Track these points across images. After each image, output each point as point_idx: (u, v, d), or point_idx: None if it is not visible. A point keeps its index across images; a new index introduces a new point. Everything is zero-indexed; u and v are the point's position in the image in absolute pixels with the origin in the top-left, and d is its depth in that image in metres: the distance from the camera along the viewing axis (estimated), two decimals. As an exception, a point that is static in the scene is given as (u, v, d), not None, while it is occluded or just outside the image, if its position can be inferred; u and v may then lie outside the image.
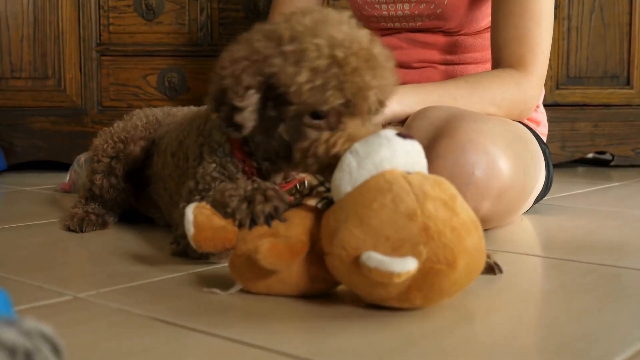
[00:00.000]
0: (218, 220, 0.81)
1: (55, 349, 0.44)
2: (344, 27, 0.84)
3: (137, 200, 1.25)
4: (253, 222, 0.80)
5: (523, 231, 1.24)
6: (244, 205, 0.82)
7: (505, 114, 1.25)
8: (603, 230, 1.25)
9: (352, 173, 0.75)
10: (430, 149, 1.10)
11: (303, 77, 0.81)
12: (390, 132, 0.76)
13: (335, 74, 0.81)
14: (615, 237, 1.19)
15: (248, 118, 0.87)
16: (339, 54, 0.81)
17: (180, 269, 0.93)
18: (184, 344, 0.67)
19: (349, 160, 0.76)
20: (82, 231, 1.18)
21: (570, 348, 0.65)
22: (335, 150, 0.82)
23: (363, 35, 0.85)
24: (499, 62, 1.30)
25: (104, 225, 1.21)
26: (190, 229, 0.80)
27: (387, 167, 0.74)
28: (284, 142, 0.89)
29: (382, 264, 0.68)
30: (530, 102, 1.29)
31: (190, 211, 0.81)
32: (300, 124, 0.85)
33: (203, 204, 0.83)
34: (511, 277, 0.93)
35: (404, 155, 0.75)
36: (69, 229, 1.19)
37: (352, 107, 0.84)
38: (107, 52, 2.07)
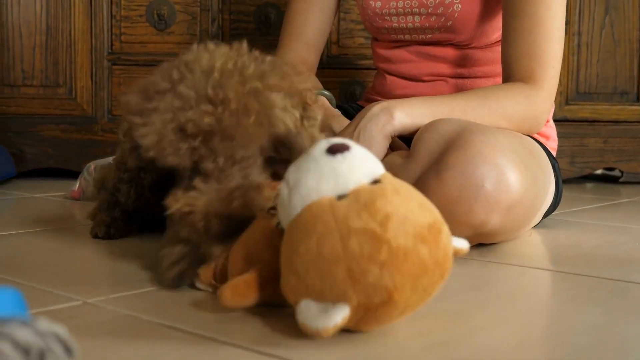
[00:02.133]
0: None
1: (68, 350, 0.45)
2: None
3: (161, 209, 1.25)
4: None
5: (531, 245, 1.24)
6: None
7: (515, 128, 1.25)
8: (612, 245, 1.25)
9: (285, 206, 0.71)
10: (440, 162, 1.10)
11: None
12: (320, 150, 0.70)
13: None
14: (624, 252, 1.18)
15: None
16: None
17: (188, 277, 0.93)
18: (193, 351, 0.67)
19: (282, 191, 0.71)
20: (109, 237, 1.19)
21: (579, 361, 0.65)
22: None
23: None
24: (509, 76, 1.30)
25: (129, 232, 1.22)
26: None
27: (314, 197, 0.68)
28: None
29: (308, 320, 0.65)
30: (541, 117, 1.29)
31: None
32: None
33: None
34: (519, 290, 0.93)
35: (333, 177, 0.68)
36: (96, 236, 1.20)
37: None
38: (118, 61, 2.09)
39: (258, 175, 0.87)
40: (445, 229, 0.69)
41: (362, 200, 0.67)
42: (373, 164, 0.71)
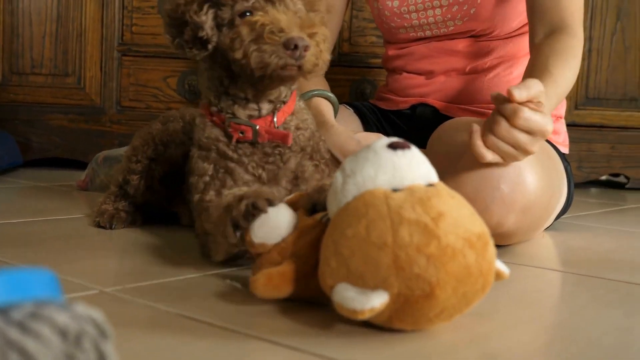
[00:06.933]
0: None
1: (103, 334, 0.44)
2: None
3: (169, 202, 1.25)
4: (236, 227, 0.80)
5: (545, 247, 1.24)
6: (228, 218, 0.82)
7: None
8: (625, 249, 1.24)
9: (337, 193, 0.71)
10: (457, 162, 1.10)
11: None
12: (381, 144, 0.71)
13: None
14: (638, 256, 1.18)
15: (210, 31, 0.96)
16: None
17: (202, 269, 0.93)
18: (216, 344, 0.66)
19: (337, 178, 0.71)
20: (111, 228, 1.18)
21: (606, 363, 0.65)
22: (262, 30, 0.90)
23: None
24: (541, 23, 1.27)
25: (133, 223, 1.22)
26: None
27: (369, 186, 0.69)
28: (225, 60, 0.96)
29: (344, 300, 0.65)
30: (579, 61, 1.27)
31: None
32: (234, 27, 0.94)
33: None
34: (538, 291, 0.93)
35: (391, 171, 0.69)
36: (98, 225, 1.20)
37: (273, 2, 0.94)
38: (128, 52, 2.08)
39: None
40: (492, 243, 0.69)
41: (417, 195, 0.67)
42: (430, 168, 0.72)
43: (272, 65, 0.90)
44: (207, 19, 0.95)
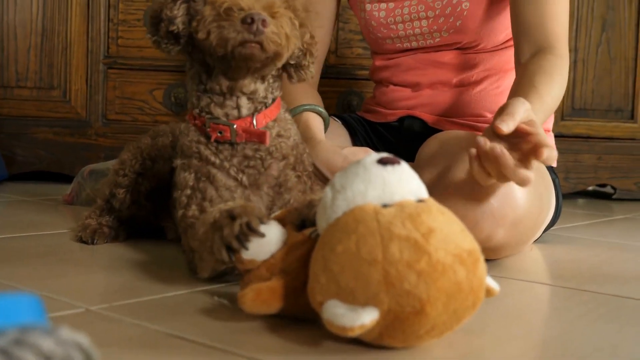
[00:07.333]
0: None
1: (89, 359, 0.43)
2: None
3: (156, 217, 1.24)
4: (229, 249, 0.79)
5: (534, 260, 1.23)
6: (217, 235, 0.80)
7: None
8: (613, 261, 1.24)
9: (326, 208, 0.70)
10: (445, 175, 1.09)
11: None
12: (371, 159, 0.70)
13: None
14: (627, 269, 1.18)
15: (181, 25, 0.97)
16: None
17: (190, 285, 0.92)
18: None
19: (326, 193, 0.71)
20: (93, 243, 1.17)
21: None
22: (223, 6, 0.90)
23: None
24: (526, 42, 1.28)
25: (115, 238, 1.20)
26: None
27: (359, 202, 0.69)
28: (201, 54, 0.97)
29: (334, 317, 0.64)
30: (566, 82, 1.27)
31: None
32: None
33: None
34: (528, 306, 0.92)
35: (381, 186, 0.69)
36: (81, 240, 1.18)
37: None
38: (114, 65, 2.07)
39: None
40: (482, 260, 0.68)
41: (407, 211, 0.67)
42: (420, 184, 0.72)
43: (231, 41, 0.90)
44: (178, 13, 0.98)
